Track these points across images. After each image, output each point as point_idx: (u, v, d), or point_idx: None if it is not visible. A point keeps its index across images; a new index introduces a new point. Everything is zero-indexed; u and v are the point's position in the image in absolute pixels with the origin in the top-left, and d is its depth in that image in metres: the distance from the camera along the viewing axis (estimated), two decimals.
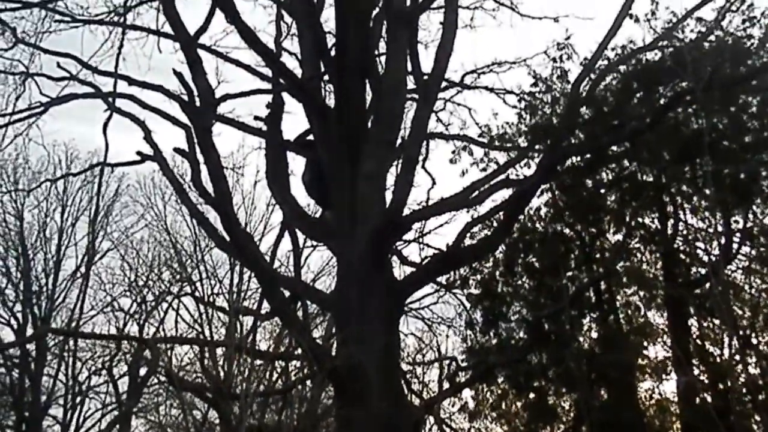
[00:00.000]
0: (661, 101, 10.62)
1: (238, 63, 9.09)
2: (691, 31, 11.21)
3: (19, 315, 20.73)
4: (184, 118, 8.82)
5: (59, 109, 9.93)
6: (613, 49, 11.29)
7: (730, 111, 10.80)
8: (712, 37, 11.00)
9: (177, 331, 18.12)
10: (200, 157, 8.48)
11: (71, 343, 19.75)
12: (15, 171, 20.70)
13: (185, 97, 8.66)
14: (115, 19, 9.93)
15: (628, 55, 11.10)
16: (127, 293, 21.03)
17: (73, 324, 19.23)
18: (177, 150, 8.86)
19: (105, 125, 9.38)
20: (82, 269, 20.73)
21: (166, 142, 9.10)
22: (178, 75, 8.56)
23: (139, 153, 9.36)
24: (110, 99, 9.29)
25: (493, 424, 12.41)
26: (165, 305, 19.79)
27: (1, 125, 9.53)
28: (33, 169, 20.77)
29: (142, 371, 19.28)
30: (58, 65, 9.68)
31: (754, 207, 11.09)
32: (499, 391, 12.12)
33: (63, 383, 20.64)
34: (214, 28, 11.19)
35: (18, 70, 9.89)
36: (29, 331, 20.59)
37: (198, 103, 8.55)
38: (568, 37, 11.71)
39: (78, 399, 20.76)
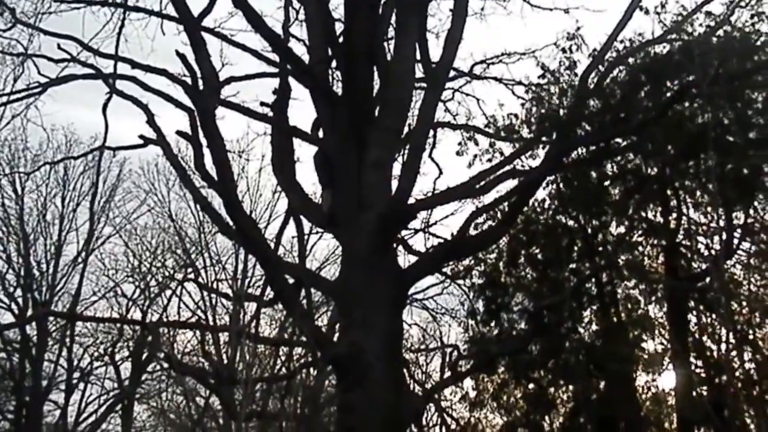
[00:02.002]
0: (668, 94, 10.60)
1: (243, 47, 9.04)
2: (700, 25, 11.18)
3: (20, 300, 20.73)
4: (187, 101, 8.79)
5: (60, 93, 9.89)
6: (621, 41, 11.26)
7: (736, 106, 10.78)
8: (720, 32, 10.97)
9: (180, 318, 18.17)
10: (204, 141, 8.48)
11: (71, 327, 19.76)
12: (14, 154, 20.66)
13: (188, 80, 8.62)
14: (118, 0, 9.86)
15: (636, 47, 11.05)
16: (130, 279, 21.08)
17: (75, 307, 19.21)
18: (180, 133, 8.85)
19: (105, 106, 9.36)
20: (84, 254, 20.71)
21: (170, 126, 9.10)
22: (182, 57, 8.52)
23: (141, 137, 9.34)
24: (111, 80, 9.23)
25: (492, 414, 12.47)
26: (168, 292, 19.83)
27: None
28: (32, 152, 20.73)
29: (144, 357, 19.31)
30: (59, 47, 9.60)
31: (756, 203, 11.10)
32: (499, 381, 12.16)
33: (64, 368, 20.67)
34: (219, 11, 11.17)
35: (17, 51, 9.81)
36: None
37: (201, 86, 8.52)
38: (578, 28, 11.71)
39: (79, 384, 20.78)
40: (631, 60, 11.21)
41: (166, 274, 20.15)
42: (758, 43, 10.92)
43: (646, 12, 10.93)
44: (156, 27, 9.96)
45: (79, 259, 20.81)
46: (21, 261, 20.76)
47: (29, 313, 20.35)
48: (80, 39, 9.52)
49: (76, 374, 20.67)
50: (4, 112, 9.57)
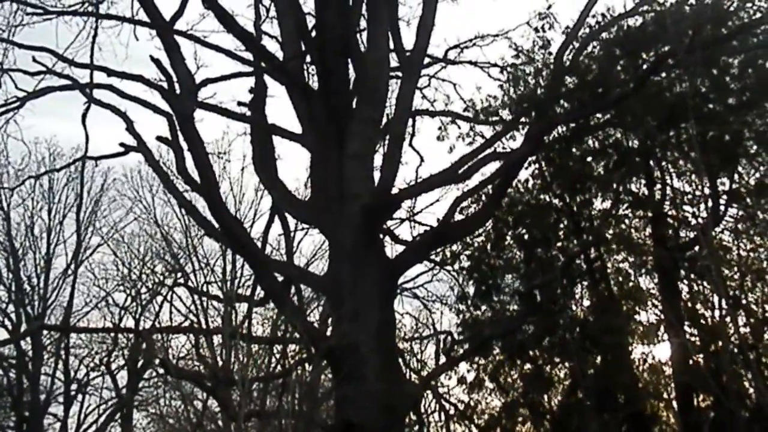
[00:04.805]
0: (645, 66, 10.60)
1: (217, 48, 8.99)
2: None
3: (13, 315, 20.64)
4: (165, 106, 8.76)
5: (40, 106, 9.90)
6: (593, 17, 11.26)
7: (712, 73, 10.80)
8: (692, 0, 10.97)
9: (172, 323, 18.10)
10: (184, 145, 8.45)
11: (66, 339, 19.70)
12: None
13: (164, 84, 8.58)
14: (89, 9, 9.80)
15: (609, 21, 11.05)
16: (121, 288, 21.01)
17: (68, 320, 19.14)
18: (160, 138, 8.82)
19: (84, 116, 9.36)
20: (73, 266, 20.61)
21: (150, 132, 9.07)
22: (156, 61, 8.48)
23: (122, 144, 9.31)
24: (88, 90, 9.20)
25: (490, 395, 12.52)
26: (159, 298, 19.77)
27: None
28: (15, 167, 20.56)
29: (140, 364, 19.26)
30: (34, 59, 9.56)
31: (740, 168, 11.13)
32: (495, 363, 12.19)
33: (61, 381, 20.60)
34: (190, 13, 11.08)
35: None
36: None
37: (178, 90, 8.48)
38: (550, 6, 11.71)
39: (77, 396, 20.73)
40: (604, 35, 11.21)
41: (156, 280, 20.12)
42: (731, 8, 10.93)
43: None
44: (129, 33, 9.92)
45: (69, 271, 20.73)
46: (11, 276, 20.64)
47: (23, 327, 20.24)
48: (55, 50, 9.50)
49: (74, 386, 20.63)
50: None
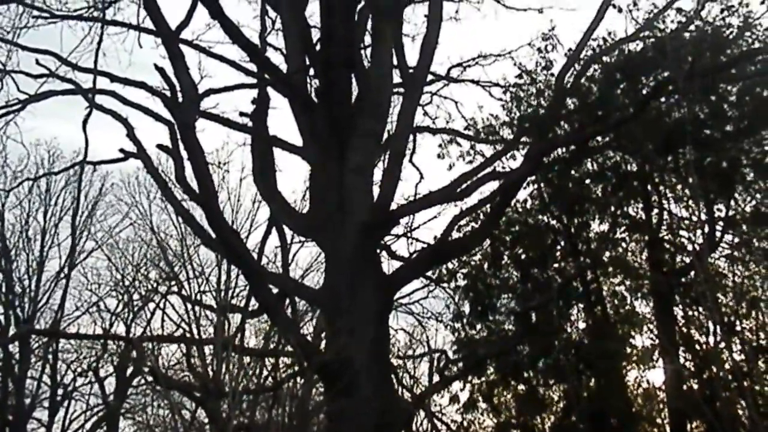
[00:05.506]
0: (644, 91, 10.68)
1: (221, 58, 9.00)
2: (672, 21, 11.34)
3: (2, 317, 20.44)
4: (167, 114, 8.74)
5: (41, 108, 9.84)
6: (595, 40, 11.38)
7: (711, 100, 10.90)
8: (692, 27, 11.10)
9: (164, 331, 17.98)
10: (184, 154, 8.42)
11: (54, 344, 19.52)
12: None
13: (167, 93, 8.56)
14: (95, 14, 9.81)
15: (611, 45, 11.17)
16: (113, 293, 20.86)
17: (58, 324, 18.97)
18: (160, 146, 8.77)
19: (85, 121, 9.30)
20: (66, 269, 20.47)
21: (150, 139, 9.03)
22: (160, 70, 8.46)
23: (122, 150, 9.26)
24: (90, 95, 9.17)
25: (483, 416, 12.45)
26: (152, 305, 19.63)
27: None
28: (13, 168, 20.44)
29: (129, 371, 19.10)
30: (37, 62, 9.54)
31: (736, 195, 11.20)
32: (488, 382, 12.14)
33: (47, 385, 20.38)
34: (197, 23, 11.14)
35: None
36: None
37: (181, 99, 8.46)
38: (553, 28, 11.86)
39: (63, 401, 20.51)
40: (606, 58, 11.31)
41: (150, 287, 19.96)
42: (730, 36, 11.05)
43: (619, 10, 11.04)
44: (134, 40, 9.92)
45: (62, 275, 20.57)
46: (2, 277, 20.47)
47: (11, 329, 20.03)
48: (59, 54, 9.48)
49: (60, 391, 20.40)
50: None
